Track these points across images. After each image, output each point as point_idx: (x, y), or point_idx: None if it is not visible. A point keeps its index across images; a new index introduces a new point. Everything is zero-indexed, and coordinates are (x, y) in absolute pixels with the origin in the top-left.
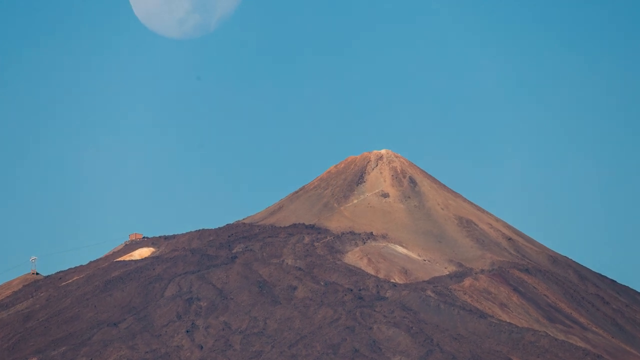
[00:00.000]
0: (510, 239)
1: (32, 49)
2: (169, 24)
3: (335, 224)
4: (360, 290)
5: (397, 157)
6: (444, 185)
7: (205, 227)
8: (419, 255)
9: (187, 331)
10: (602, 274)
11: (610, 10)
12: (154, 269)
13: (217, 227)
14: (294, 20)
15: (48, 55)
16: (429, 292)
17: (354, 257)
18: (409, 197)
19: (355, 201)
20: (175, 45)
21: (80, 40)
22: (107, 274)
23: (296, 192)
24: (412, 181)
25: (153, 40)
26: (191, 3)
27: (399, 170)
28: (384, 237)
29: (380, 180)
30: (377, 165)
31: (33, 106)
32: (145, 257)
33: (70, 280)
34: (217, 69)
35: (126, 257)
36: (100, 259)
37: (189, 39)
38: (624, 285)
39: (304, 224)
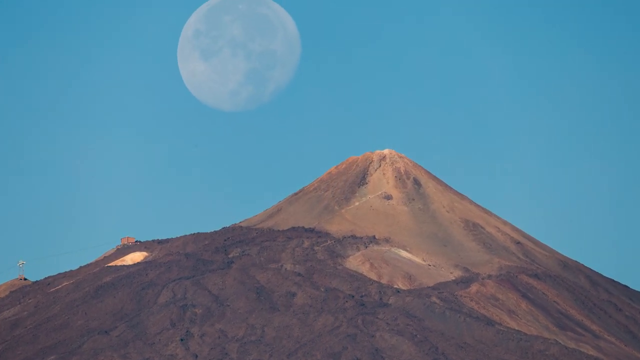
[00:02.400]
0: (518, 242)
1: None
2: (221, 96)
3: (336, 227)
4: (362, 296)
5: (400, 157)
6: (450, 187)
7: (201, 231)
8: (424, 260)
9: (182, 339)
10: (615, 280)
11: (620, 9)
12: (146, 275)
13: (212, 230)
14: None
15: (67, 104)
16: (434, 299)
17: (355, 261)
18: (413, 199)
19: (356, 203)
20: (227, 117)
21: (124, 106)
22: (98, 280)
23: (295, 194)
24: (417, 182)
25: (204, 112)
26: (244, 75)
27: (402, 171)
28: (387, 241)
29: (383, 181)
30: (379, 166)
31: (23, 108)
32: (138, 262)
33: (59, 286)
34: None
35: (118, 262)
36: (91, 263)
37: (243, 111)
38: (638, 291)
39: (303, 227)
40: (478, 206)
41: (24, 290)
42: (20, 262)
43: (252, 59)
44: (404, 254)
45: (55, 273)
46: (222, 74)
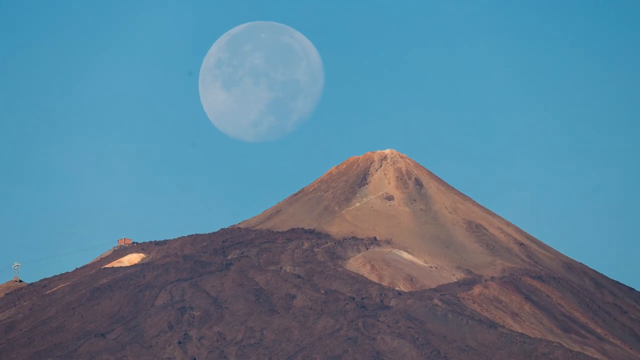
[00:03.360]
0: (522, 244)
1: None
2: (242, 126)
3: (336, 229)
4: (362, 298)
5: (402, 157)
6: (452, 188)
7: (199, 232)
8: (426, 262)
9: (180, 342)
10: (620, 282)
11: (624, 9)
12: (144, 276)
13: (211, 232)
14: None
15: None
16: (436, 301)
17: (356, 263)
18: (415, 200)
19: (357, 204)
20: (248, 148)
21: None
22: (95, 282)
23: (295, 194)
24: (418, 183)
25: (224, 142)
26: (266, 104)
27: (404, 171)
28: (388, 242)
29: (384, 182)
30: (380, 166)
31: (19, 109)
32: (135, 264)
33: (55, 288)
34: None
35: (115, 264)
36: (87, 265)
37: (264, 142)
38: None
39: (303, 228)
40: (481, 207)
41: (19, 293)
42: (16, 264)
43: (275, 88)
44: (405, 255)
45: (51, 275)
46: (243, 103)
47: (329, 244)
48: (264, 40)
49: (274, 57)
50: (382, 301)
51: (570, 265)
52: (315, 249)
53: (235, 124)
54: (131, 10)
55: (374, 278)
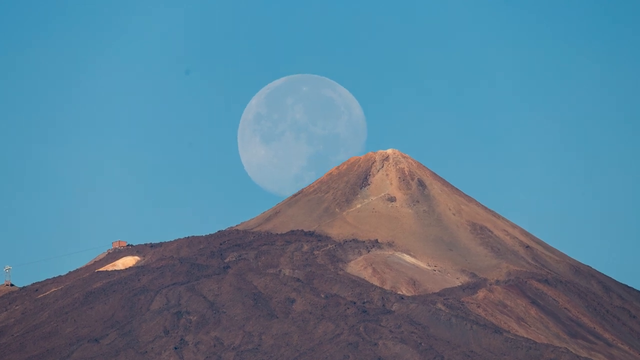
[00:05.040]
0: (528, 247)
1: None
2: (283, 182)
3: (336, 231)
4: (364, 303)
5: (404, 157)
6: (456, 189)
7: (195, 234)
8: (429, 265)
9: (176, 348)
10: (629, 285)
11: (628, 12)
12: (139, 280)
13: (208, 234)
14: None
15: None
16: (439, 305)
17: (357, 266)
18: (418, 202)
19: (358, 206)
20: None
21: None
22: (88, 285)
23: (294, 195)
24: (421, 184)
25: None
26: (306, 159)
27: (406, 171)
28: (390, 245)
29: (386, 182)
30: (382, 167)
31: (12, 110)
32: (130, 267)
33: (47, 292)
34: None
35: (109, 267)
36: (81, 268)
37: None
38: None
39: (302, 230)
40: (485, 208)
41: (10, 297)
42: (7, 267)
43: (315, 142)
44: (408, 258)
45: (43, 279)
46: (284, 158)
47: (330, 246)
48: (304, 93)
49: (314, 111)
50: (384, 305)
51: (578, 268)
52: (315, 252)
53: (276, 179)
54: (134, 11)
55: (375, 282)
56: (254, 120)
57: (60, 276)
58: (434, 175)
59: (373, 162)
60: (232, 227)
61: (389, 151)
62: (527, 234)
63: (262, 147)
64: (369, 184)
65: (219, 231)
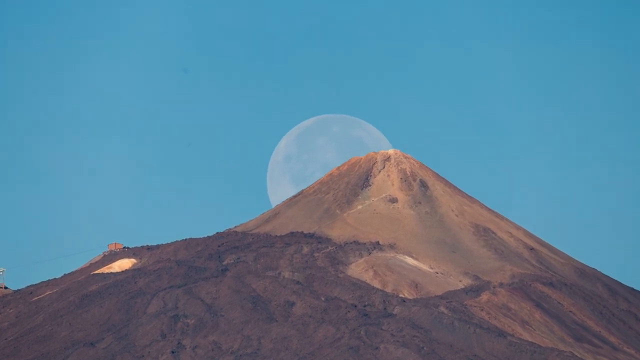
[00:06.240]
0: (532, 249)
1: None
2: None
3: (337, 233)
4: (365, 306)
5: (406, 157)
6: (459, 190)
7: (193, 236)
8: (431, 267)
9: (173, 352)
10: (635, 288)
11: (634, 9)
12: (135, 283)
13: (205, 235)
14: None
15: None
16: (441, 308)
17: (358, 269)
18: (420, 203)
19: (359, 207)
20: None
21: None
22: (84, 288)
23: (294, 196)
24: (423, 185)
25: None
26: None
27: (408, 172)
28: (392, 247)
29: (387, 183)
30: (384, 167)
31: (5, 110)
32: (126, 270)
33: (42, 295)
34: None
35: (105, 270)
36: (76, 271)
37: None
38: None
39: (302, 232)
40: (489, 210)
41: (4, 300)
42: (1, 269)
43: None
44: (409, 260)
45: (37, 281)
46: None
47: (330, 248)
48: (334, 133)
49: (345, 151)
50: (385, 309)
51: (583, 271)
52: (316, 254)
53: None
54: (134, 12)
55: (376, 284)
56: (284, 161)
57: (55, 279)
58: (436, 175)
59: (374, 163)
60: (230, 229)
61: (391, 151)
62: (531, 236)
63: (292, 188)
64: (370, 185)
65: (217, 233)
